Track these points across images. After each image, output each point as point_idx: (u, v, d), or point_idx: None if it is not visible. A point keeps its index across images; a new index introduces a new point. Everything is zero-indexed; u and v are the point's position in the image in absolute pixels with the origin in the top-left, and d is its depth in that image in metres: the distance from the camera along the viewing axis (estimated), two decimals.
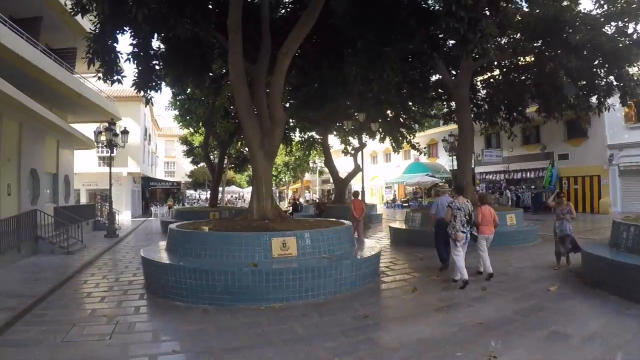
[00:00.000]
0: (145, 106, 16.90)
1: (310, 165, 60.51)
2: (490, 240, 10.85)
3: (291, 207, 32.66)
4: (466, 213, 9.95)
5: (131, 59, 14.75)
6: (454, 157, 32.48)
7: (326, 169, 63.22)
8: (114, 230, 22.91)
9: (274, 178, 63.72)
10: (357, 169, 31.12)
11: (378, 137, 32.52)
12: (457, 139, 32.55)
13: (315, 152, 42.99)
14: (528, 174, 35.05)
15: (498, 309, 8.03)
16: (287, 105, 24.55)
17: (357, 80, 17.95)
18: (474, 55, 15.91)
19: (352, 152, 32.79)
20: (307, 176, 68.68)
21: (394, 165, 51.30)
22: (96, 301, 9.43)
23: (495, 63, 21.77)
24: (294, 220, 12.41)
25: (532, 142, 35.12)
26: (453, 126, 35.95)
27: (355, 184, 37.56)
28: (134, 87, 15.49)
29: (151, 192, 56.22)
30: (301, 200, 48.91)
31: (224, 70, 20.76)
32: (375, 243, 13.62)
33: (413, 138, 32.88)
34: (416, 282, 10.44)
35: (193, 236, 10.15)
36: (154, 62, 15.68)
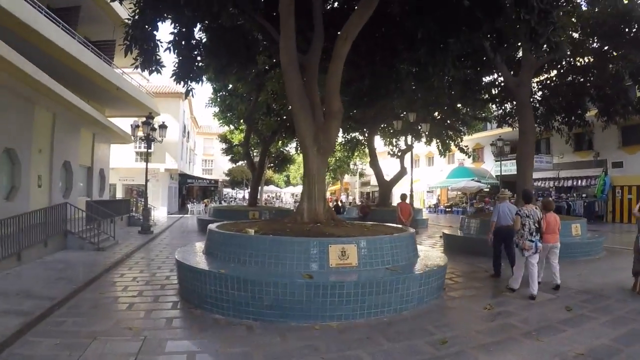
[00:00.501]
0: (185, 98, 15.84)
1: (351, 167, 59.11)
2: (558, 249, 10.17)
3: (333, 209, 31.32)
4: (535, 221, 9.34)
5: (171, 48, 13.62)
6: (502, 163, 31.50)
7: (366, 171, 62.51)
8: (148, 227, 22.03)
9: None
10: (403, 172, 29.84)
11: (424, 139, 31.13)
12: (506, 143, 31.67)
13: (357, 154, 41.53)
14: (579, 181, 33.29)
15: (595, 335, 6.74)
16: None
17: (410, 77, 16.82)
18: (543, 51, 14.89)
19: (399, 154, 31.45)
20: (346, 178, 67.28)
21: (437, 170, 49.69)
22: (123, 308, 8.29)
23: (554, 63, 20.28)
24: (349, 225, 11.02)
25: (585, 148, 33.24)
26: (500, 130, 35.13)
27: (397, 187, 36.04)
28: (173, 78, 14.31)
29: (188, 189, 55.90)
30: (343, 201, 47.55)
31: (267, 67, 19.70)
32: (437, 252, 12.16)
33: (461, 141, 31.37)
34: (488, 299, 9.17)
35: (237, 239, 8.80)
36: (196, 52, 14.56)
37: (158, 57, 13.17)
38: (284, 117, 27.73)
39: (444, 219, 36.20)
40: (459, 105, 26.51)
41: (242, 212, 24.59)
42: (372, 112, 24.70)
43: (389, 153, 33.09)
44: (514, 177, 36.91)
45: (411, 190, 24.90)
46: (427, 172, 51.72)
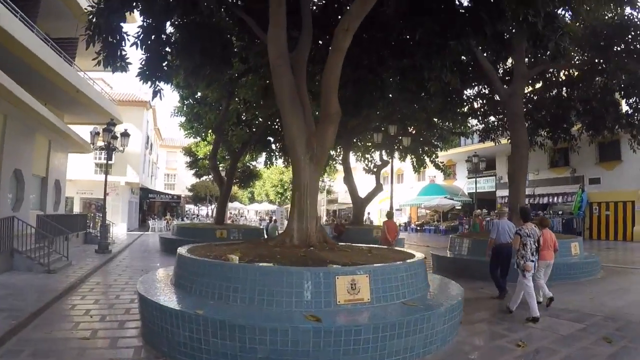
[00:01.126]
0: (153, 99, 14.00)
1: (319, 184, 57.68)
2: (550, 267, 10.19)
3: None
4: (535, 240, 9.04)
5: (138, 44, 12.01)
6: (475, 180, 31.83)
7: (334, 188, 61.19)
8: (106, 245, 20.00)
9: (279, 196, 61.07)
10: (379, 188, 28.57)
11: (397, 155, 29.91)
12: (482, 159, 31.11)
13: (329, 170, 39.77)
14: (555, 198, 33.04)
15: None
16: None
17: (395, 86, 15.79)
18: (547, 57, 14.60)
19: (375, 169, 30.20)
20: None
21: (407, 187, 48.68)
22: (72, 356, 6.48)
23: (536, 77, 19.71)
24: (348, 249, 9.39)
25: (561, 165, 33.08)
26: (474, 146, 35.87)
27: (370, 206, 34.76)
28: (139, 77, 12.68)
29: (149, 204, 53.68)
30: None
31: (237, 74, 18.22)
32: (441, 278, 10.76)
33: (436, 157, 30.30)
34: (510, 331, 7.90)
35: (216, 269, 6.93)
36: (166, 48, 12.94)
37: (123, 53, 11.69)
38: (254, 130, 26.18)
39: (418, 238, 35.32)
40: (435, 119, 25.45)
41: (208, 230, 22.82)
42: (355, 123, 23.30)
43: (364, 169, 31.66)
44: (489, 195, 37.24)
45: (391, 207, 23.55)
46: (397, 190, 50.61)
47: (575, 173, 31.63)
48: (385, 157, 29.24)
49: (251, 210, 74.09)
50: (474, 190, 32.72)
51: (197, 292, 6.89)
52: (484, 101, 22.12)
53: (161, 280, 8.29)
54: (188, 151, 42.64)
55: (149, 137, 46.68)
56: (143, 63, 12.42)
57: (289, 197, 61.54)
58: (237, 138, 25.64)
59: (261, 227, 30.99)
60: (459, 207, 41.20)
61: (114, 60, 11.56)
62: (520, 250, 8.94)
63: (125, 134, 22.03)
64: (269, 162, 30.90)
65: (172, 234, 24.61)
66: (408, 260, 7.66)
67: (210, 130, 27.87)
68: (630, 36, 16.73)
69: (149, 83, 12.62)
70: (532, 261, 8.86)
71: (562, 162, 32.84)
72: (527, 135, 17.90)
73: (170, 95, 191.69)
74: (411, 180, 47.83)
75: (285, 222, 26.77)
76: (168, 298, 6.89)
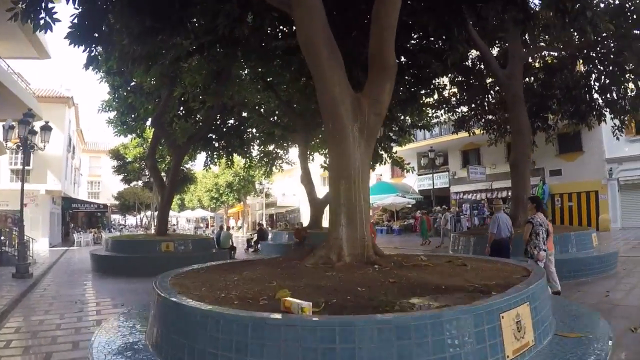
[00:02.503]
0: (87, 68, 10.40)
1: (257, 186, 54.42)
2: (553, 256, 10.02)
3: (256, 235, 26.83)
4: (546, 229, 9.30)
5: None
6: (432, 175, 32.37)
7: (272, 192, 57.69)
8: (26, 268, 16.08)
9: (214, 201, 57.20)
10: None
11: None
12: (438, 154, 29.56)
13: (278, 170, 35.97)
14: None
15: None
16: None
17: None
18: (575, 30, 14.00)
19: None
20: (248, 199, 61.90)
21: None
22: None
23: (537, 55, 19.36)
24: (427, 262, 6.21)
25: None
26: (427, 142, 35.45)
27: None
28: (69, 40, 9.30)
29: (72, 215, 48.80)
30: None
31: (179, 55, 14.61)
32: None
33: (395, 153, 28.18)
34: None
35: (277, 335, 3.34)
36: (107, 4, 9.59)
37: (50, 5, 8.40)
38: (200, 122, 22.62)
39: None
40: (396, 113, 23.03)
41: (150, 243, 19.41)
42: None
43: (321, 166, 28.67)
44: (442, 191, 35.89)
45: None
46: None
47: (534, 166, 30.42)
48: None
49: (182, 217, 69.93)
50: (426, 187, 33.17)
51: None
52: (461, 89, 21.58)
53: (134, 346, 4.71)
54: (115, 154, 38.89)
55: (72, 139, 41.99)
56: (76, 19, 9.10)
57: (225, 202, 57.57)
58: (182, 131, 22.01)
59: (211, 235, 27.70)
60: (409, 206, 39.42)
61: (36, 13, 8.32)
62: (533, 239, 9.11)
63: (47, 127, 17.80)
64: (210, 162, 27.51)
65: (106, 249, 20.67)
66: (537, 273, 5.02)
67: (147, 125, 24.17)
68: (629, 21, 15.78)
69: (84, 47, 9.29)
70: (545, 250, 9.13)
71: None
72: (528, 119, 16.73)
73: (97, 90, 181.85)
74: None
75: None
76: None
